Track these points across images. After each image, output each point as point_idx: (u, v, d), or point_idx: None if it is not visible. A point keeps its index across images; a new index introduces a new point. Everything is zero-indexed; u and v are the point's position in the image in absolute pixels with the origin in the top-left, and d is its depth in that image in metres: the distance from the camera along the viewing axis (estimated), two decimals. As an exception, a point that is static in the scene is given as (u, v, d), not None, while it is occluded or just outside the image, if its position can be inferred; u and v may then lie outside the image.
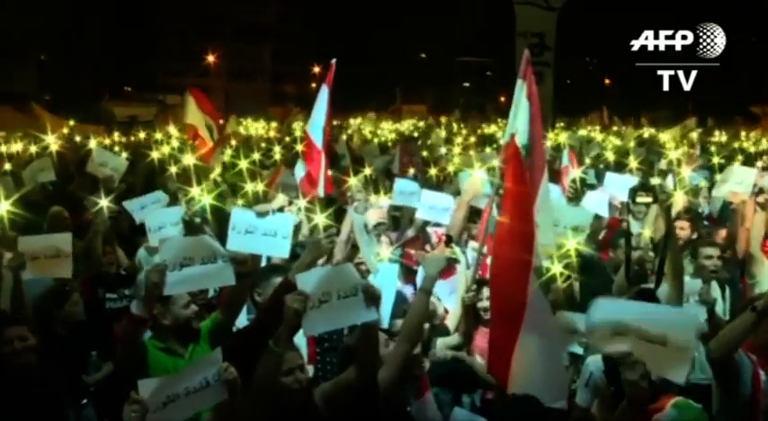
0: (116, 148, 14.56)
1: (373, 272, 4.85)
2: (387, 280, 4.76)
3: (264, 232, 4.77)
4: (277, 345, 3.58)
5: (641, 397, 3.58)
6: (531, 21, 21.29)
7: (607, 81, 44.92)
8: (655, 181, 8.39)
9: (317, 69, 41.79)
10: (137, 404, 3.25)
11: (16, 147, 12.95)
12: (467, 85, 52.64)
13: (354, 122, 25.71)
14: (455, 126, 24.13)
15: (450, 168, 9.92)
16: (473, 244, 6.59)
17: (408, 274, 6.25)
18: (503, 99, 41.03)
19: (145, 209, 6.85)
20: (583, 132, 20.22)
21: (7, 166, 10.37)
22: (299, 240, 6.20)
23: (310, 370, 4.72)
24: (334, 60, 7.06)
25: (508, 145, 4.98)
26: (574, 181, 8.16)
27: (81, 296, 5.57)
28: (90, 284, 6.13)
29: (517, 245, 4.55)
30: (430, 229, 7.19)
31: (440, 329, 5.35)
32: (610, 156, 12.12)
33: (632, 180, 8.12)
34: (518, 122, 4.97)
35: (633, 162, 9.22)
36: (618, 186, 8.06)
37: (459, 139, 15.93)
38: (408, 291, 5.96)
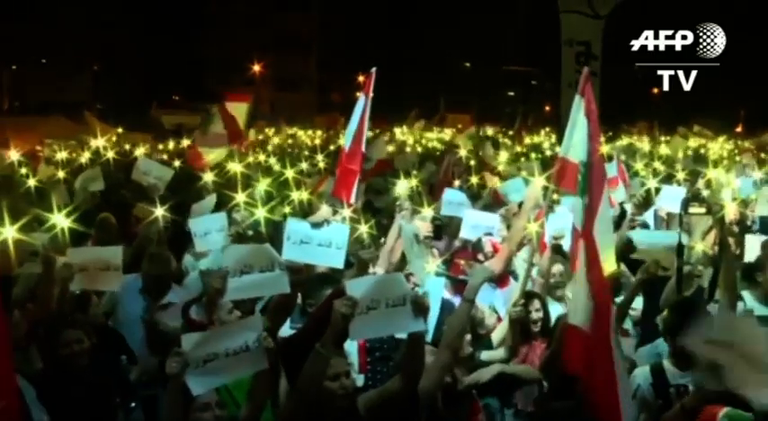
0: (164, 156, 14.82)
1: (421, 284, 4.84)
2: (432, 293, 4.76)
3: (320, 242, 4.83)
4: (323, 348, 3.62)
5: (700, 405, 3.63)
6: (576, 29, 21.01)
7: (655, 90, 44.03)
8: (704, 192, 8.25)
9: (361, 78, 41.96)
10: (178, 356, 3.33)
11: (63, 154, 13.20)
12: (512, 94, 52.33)
13: (398, 131, 25.71)
14: (500, 136, 24.00)
15: (495, 181, 9.81)
16: (521, 254, 6.54)
17: (457, 285, 6.23)
18: (548, 108, 40.68)
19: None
20: (625, 142, 19.90)
21: (60, 174, 10.61)
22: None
23: (361, 379, 4.75)
24: (374, 69, 7.08)
25: (563, 162, 4.95)
26: (647, 192, 8.06)
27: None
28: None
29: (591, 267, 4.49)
30: (484, 238, 7.13)
31: (482, 340, 5.30)
32: (658, 166, 11.89)
33: (682, 191, 7.98)
34: (575, 139, 4.92)
35: (681, 173, 9.04)
36: (668, 198, 7.93)
37: (505, 150, 15.77)
38: (457, 301, 5.94)
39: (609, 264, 4.56)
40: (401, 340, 4.57)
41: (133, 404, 5.10)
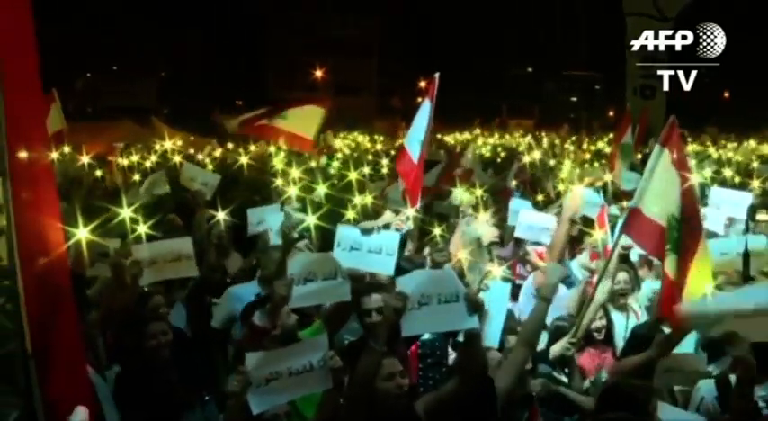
0: (228, 161, 15.08)
1: (483, 288, 4.80)
2: (498, 298, 4.73)
3: (370, 249, 4.83)
4: (376, 343, 3.63)
5: (750, 371, 3.69)
6: (642, 32, 20.61)
7: (726, 94, 42.71)
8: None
9: (423, 83, 41.86)
10: (241, 375, 3.40)
11: (134, 158, 13.58)
12: (574, 99, 51.60)
13: (461, 137, 25.61)
14: (559, 142, 23.60)
15: (561, 186, 9.66)
16: (581, 259, 6.44)
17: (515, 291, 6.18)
18: (611, 114, 39.94)
19: (262, 223, 7.03)
20: (693, 148, 19.34)
21: (136, 177, 10.92)
22: (406, 256, 6.22)
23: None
24: (437, 74, 7.05)
25: (639, 216, 4.79)
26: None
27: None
28: (197, 289, 6.36)
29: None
30: (529, 248, 7.07)
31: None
32: (727, 172, 11.52)
33: (742, 195, 7.73)
34: (656, 195, 4.76)
35: (756, 181, 8.74)
36: (726, 202, 7.71)
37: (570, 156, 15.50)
38: (514, 307, 5.91)
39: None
40: (457, 344, 4.57)
41: (207, 397, 5.20)
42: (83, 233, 4.59)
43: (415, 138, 6.98)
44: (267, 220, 6.80)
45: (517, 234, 7.06)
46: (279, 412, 3.68)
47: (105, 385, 4.42)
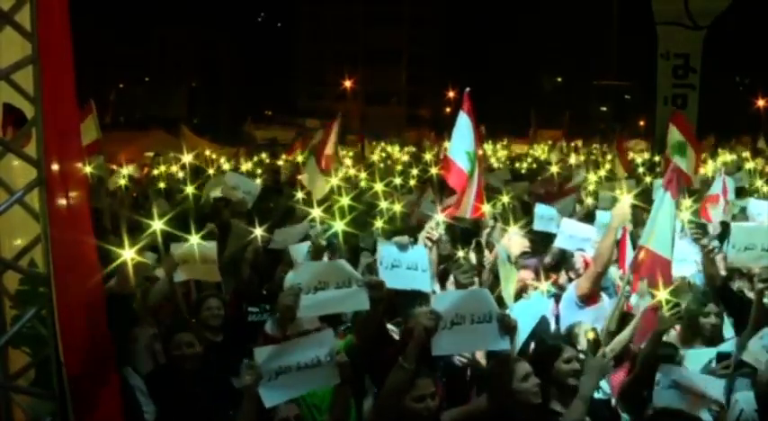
0: (258, 171, 15.19)
1: (508, 303, 4.75)
2: (536, 310, 4.66)
3: (408, 266, 4.69)
4: (406, 362, 3.60)
5: None
6: (674, 41, 20.34)
7: (762, 102, 41.92)
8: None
9: (451, 93, 41.88)
10: (251, 369, 3.43)
11: (162, 167, 13.73)
12: (604, 108, 51.23)
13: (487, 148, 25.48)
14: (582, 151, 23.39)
15: (588, 199, 9.54)
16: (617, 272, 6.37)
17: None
18: (642, 123, 39.58)
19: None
20: (727, 158, 19.02)
21: (161, 185, 11.02)
22: None
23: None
24: (467, 89, 7.01)
25: (647, 252, 4.78)
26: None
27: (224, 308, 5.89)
28: (235, 299, 6.43)
29: None
30: (576, 254, 6.95)
31: None
32: (759, 183, 11.27)
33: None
34: (663, 235, 4.76)
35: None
36: (759, 208, 7.60)
37: (605, 166, 15.28)
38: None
39: None
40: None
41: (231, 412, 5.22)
42: (129, 253, 4.63)
43: (461, 150, 6.90)
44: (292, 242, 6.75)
45: (558, 244, 6.95)
46: (288, 415, 3.71)
47: (145, 388, 4.50)
